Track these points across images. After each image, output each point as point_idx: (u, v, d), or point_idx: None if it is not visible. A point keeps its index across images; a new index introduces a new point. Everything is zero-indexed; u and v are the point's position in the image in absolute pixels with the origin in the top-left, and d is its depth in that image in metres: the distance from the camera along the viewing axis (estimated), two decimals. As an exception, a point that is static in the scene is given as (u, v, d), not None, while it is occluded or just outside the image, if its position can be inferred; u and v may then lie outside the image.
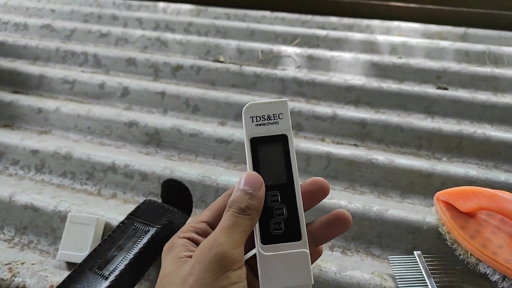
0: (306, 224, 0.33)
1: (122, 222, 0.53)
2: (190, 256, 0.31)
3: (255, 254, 0.32)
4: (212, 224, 0.33)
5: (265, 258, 0.32)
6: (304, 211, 0.32)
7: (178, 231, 0.34)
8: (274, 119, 0.34)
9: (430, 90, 0.80)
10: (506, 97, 0.80)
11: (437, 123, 0.74)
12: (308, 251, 0.32)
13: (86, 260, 0.49)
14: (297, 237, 0.32)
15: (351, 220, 0.34)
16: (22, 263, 0.53)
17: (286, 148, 0.33)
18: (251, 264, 0.34)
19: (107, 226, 0.56)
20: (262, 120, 0.34)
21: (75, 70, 0.95)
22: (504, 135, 0.69)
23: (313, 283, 0.32)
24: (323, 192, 0.34)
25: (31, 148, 0.70)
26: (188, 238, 0.33)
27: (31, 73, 0.90)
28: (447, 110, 0.77)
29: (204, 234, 0.33)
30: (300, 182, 0.33)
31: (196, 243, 0.33)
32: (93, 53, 0.96)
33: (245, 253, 0.33)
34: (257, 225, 0.32)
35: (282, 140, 0.33)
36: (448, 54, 0.94)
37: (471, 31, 1.03)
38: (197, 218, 0.35)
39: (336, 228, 0.33)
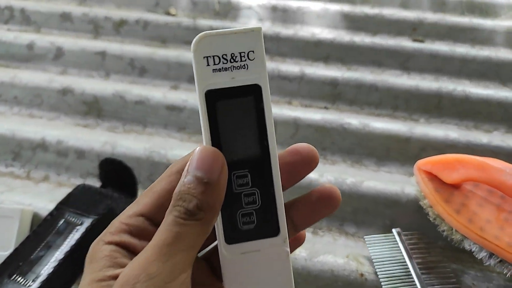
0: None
1: (51, 214, 0.44)
2: (116, 277, 0.20)
3: (216, 248, 0.23)
4: (153, 218, 0.23)
5: (231, 262, 0.23)
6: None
7: (105, 230, 0.23)
8: (241, 61, 0.22)
9: (406, 43, 0.72)
10: (484, 50, 0.74)
11: (414, 80, 0.67)
12: (288, 249, 0.23)
13: (4, 263, 0.40)
14: (274, 231, 0.23)
15: (340, 197, 0.24)
16: None
17: (260, 106, 0.22)
18: (212, 260, 0.25)
19: (35, 217, 0.47)
20: (224, 63, 0.22)
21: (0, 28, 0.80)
22: (484, 92, 0.63)
23: None
24: (309, 164, 0.24)
25: None
26: (117, 244, 0.22)
27: None
28: (424, 65, 0.70)
29: (142, 235, 0.22)
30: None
31: (130, 249, 0.22)
32: (20, 8, 0.81)
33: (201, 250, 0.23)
34: (219, 219, 0.23)
35: (253, 94, 0.22)
36: (424, 3, 0.85)
37: (448, -23, 0.95)
38: (132, 207, 0.23)
39: (322, 209, 0.24)
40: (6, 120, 0.61)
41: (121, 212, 0.26)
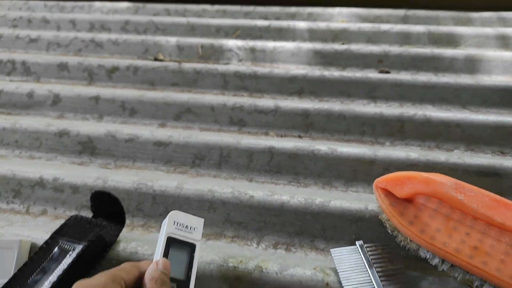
0: None
1: (46, 242, 0.49)
2: None
3: None
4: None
5: None
6: None
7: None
8: (190, 229, 0.44)
9: (372, 75, 0.79)
10: (446, 77, 0.81)
11: (380, 107, 0.73)
12: None
13: (3, 288, 0.44)
14: None
15: None
16: None
17: (192, 255, 0.43)
18: None
19: (33, 247, 0.52)
20: (181, 226, 0.44)
21: (2, 80, 0.88)
22: (444, 114, 0.69)
23: None
24: None
25: (-51, 169, 0.64)
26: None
27: (-48, 86, 0.82)
28: (389, 94, 0.77)
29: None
30: None
31: None
32: (22, 60, 0.89)
33: None
34: None
35: (190, 247, 0.43)
36: (390, 37, 0.93)
37: (411, 12, 1.03)
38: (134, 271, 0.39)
39: None
40: (7, 162, 0.67)
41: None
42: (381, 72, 0.83)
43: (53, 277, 0.45)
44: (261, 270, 0.48)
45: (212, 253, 0.50)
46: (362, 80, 0.78)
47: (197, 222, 0.45)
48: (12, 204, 0.61)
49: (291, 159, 0.64)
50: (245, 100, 0.75)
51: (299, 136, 0.71)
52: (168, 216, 0.43)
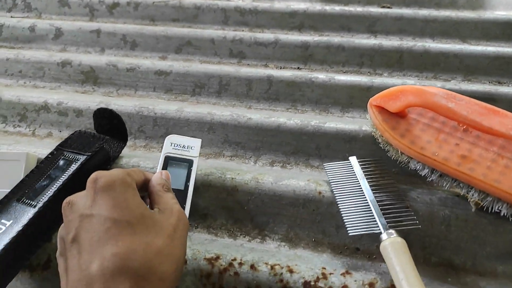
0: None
1: (51, 153, 0.51)
2: None
3: None
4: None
5: None
6: None
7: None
8: (187, 148, 0.48)
9: (373, 9, 0.78)
10: (447, 11, 0.80)
11: (379, 40, 0.73)
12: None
13: (12, 191, 0.47)
14: None
15: None
16: (-50, 205, 0.50)
17: (190, 168, 0.47)
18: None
19: (39, 161, 0.54)
20: (179, 147, 0.48)
21: (3, 16, 0.88)
22: (444, 45, 0.69)
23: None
24: None
25: (-44, 95, 0.66)
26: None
27: (-46, 21, 0.83)
28: (390, 27, 0.76)
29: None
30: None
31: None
32: (22, -3, 0.89)
33: None
34: None
35: (188, 162, 0.47)
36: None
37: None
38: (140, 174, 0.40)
39: None
40: (13, 90, 0.68)
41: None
42: (383, 7, 0.82)
43: (58, 183, 0.47)
44: (257, 181, 0.50)
45: (211, 167, 0.52)
46: (363, 14, 0.77)
47: (194, 142, 0.49)
48: (19, 128, 0.64)
49: (289, 87, 0.65)
50: (245, 33, 0.75)
51: (298, 68, 0.72)
52: (165, 139, 0.48)
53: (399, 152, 0.49)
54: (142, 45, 0.77)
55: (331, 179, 0.50)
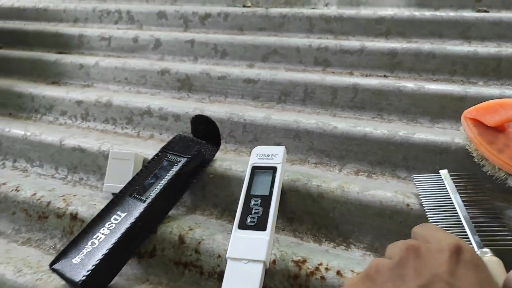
0: None
1: (156, 155, 0.57)
2: None
3: None
4: None
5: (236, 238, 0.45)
6: None
7: None
8: (271, 157, 0.51)
9: (468, 14, 0.75)
10: (556, 15, 0.74)
11: (474, 47, 0.70)
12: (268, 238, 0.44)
13: (125, 187, 0.54)
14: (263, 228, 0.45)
15: None
16: (74, 195, 0.59)
17: (274, 175, 0.49)
18: None
19: (145, 160, 0.61)
20: (263, 156, 0.52)
21: (111, 28, 0.99)
22: (550, 53, 0.64)
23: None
24: None
25: (75, 100, 0.76)
26: None
27: (72, 34, 0.95)
28: (486, 33, 0.72)
29: None
30: None
31: None
32: (126, 10, 0.99)
33: None
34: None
35: (273, 169, 0.50)
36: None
37: None
38: None
39: None
40: (120, 95, 0.77)
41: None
42: (479, 11, 0.78)
43: (163, 182, 0.53)
44: (343, 189, 0.51)
45: (297, 174, 0.55)
46: (456, 19, 0.74)
47: (278, 150, 0.52)
48: (126, 129, 0.72)
49: (375, 96, 0.65)
50: (330, 41, 0.77)
51: (385, 76, 0.71)
52: (251, 152, 0.53)
53: (496, 168, 0.47)
54: (231, 54, 0.82)
55: (421, 192, 0.49)
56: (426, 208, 0.48)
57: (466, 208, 0.46)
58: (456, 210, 0.46)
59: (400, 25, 0.77)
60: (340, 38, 0.81)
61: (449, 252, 0.29)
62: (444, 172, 0.51)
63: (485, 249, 0.41)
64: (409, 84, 0.64)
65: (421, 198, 0.49)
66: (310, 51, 0.76)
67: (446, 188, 0.49)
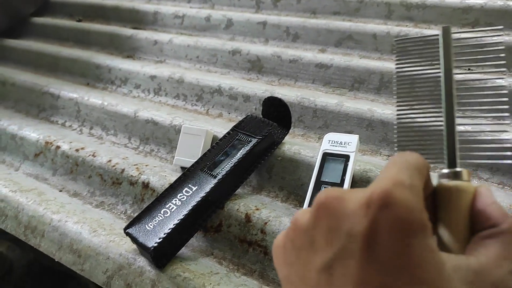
0: None
1: (228, 133, 0.58)
2: None
3: None
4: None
5: None
6: None
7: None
8: (343, 144, 0.50)
9: None
10: None
11: None
12: None
13: (197, 162, 0.55)
14: None
15: None
16: (146, 165, 0.61)
17: (346, 163, 0.48)
18: None
19: (214, 138, 0.62)
20: (336, 143, 0.50)
21: (184, 6, 1.01)
22: None
23: None
24: None
25: (149, 74, 0.79)
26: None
27: (147, 10, 0.98)
28: None
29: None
30: None
31: None
32: (200, -11, 1.00)
33: None
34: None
35: (345, 157, 0.49)
36: None
37: None
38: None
39: None
40: (192, 73, 0.79)
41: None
42: None
43: (234, 160, 0.53)
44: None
45: (369, 164, 0.53)
46: (558, 12, 0.67)
47: (352, 138, 0.50)
48: (195, 106, 0.73)
49: (457, 89, 0.61)
50: (410, 29, 0.73)
51: (469, 69, 0.66)
52: (323, 137, 0.51)
53: None
54: (303, 38, 0.80)
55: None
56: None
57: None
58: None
59: (490, 15, 0.71)
60: (421, 26, 0.76)
61: (369, 203, 0.19)
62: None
63: (459, 169, 0.25)
64: (497, 79, 0.59)
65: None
66: (387, 39, 0.73)
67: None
